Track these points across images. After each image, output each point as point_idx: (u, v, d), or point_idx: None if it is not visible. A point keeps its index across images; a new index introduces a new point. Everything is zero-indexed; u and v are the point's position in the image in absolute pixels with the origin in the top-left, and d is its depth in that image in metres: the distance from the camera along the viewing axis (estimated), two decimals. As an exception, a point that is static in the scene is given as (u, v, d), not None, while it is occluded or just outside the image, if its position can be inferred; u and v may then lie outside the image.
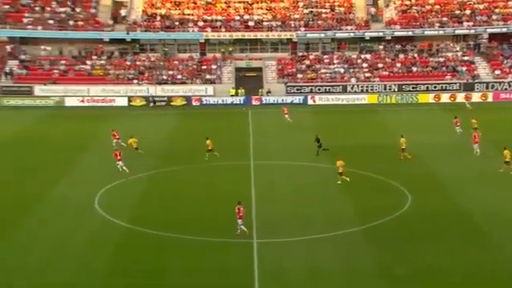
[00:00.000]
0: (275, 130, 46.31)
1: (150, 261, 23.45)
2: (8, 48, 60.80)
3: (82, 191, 31.56)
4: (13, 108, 54.57)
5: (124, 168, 34.34)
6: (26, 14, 61.31)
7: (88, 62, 61.01)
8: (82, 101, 57.04)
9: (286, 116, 48.33)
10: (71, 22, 61.89)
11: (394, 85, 59.27)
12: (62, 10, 62.95)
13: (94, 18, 62.92)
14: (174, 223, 27.10)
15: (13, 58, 60.45)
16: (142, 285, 21.91)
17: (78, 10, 63.42)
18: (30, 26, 60.51)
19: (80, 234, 26.24)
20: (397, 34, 62.87)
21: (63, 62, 60.63)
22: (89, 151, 40.15)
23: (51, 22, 61.35)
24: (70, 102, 56.73)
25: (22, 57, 60.51)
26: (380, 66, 61.61)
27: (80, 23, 62.03)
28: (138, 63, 61.93)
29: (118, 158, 34.56)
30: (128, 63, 61.69)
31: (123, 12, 64.97)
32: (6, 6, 61.65)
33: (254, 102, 56.68)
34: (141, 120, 51.82)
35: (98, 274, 22.45)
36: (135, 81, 59.86)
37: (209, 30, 63.53)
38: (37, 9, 62.30)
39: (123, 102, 57.54)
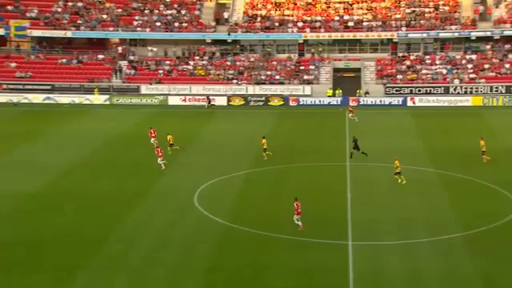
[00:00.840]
0: (372, 132, 45.67)
1: (248, 258, 23.98)
2: (119, 49, 64.53)
3: (182, 187, 32.70)
4: (122, 106, 57.62)
5: (164, 162, 35.54)
6: (136, 17, 64.74)
7: (190, 63, 63.40)
8: (184, 100, 59.37)
9: (351, 115, 48.80)
10: (176, 24, 64.61)
11: (502, 86, 56.47)
12: (169, 12, 65.85)
13: (197, 20, 65.28)
14: (271, 222, 27.50)
15: (123, 58, 64.14)
16: (241, 281, 22.41)
17: (183, 12, 66.05)
18: (139, 29, 63.89)
19: (180, 229, 27.15)
20: (506, 33, 59.81)
21: (168, 62, 63.39)
22: (189, 149, 41.51)
23: (158, 24, 64.41)
24: (172, 100, 59.22)
25: (131, 57, 64.01)
26: (486, 66, 58.89)
27: (184, 25, 64.61)
28: (237, 63, 63.49)
29: (160, 154, 35.80)
30: (228, 63, 63.41)
31: (226, 14, 66.87)
32: (119, 10, 65.43)
33: (351, 103, 56.24)
34: (239, 119, 53.09)
35: (198, 270, 23.11)
36: (234, 81, 61.43)
37: (308, 30, 63.81)
38: (146, 12, 65.64)
39: (222, 101, 59.24)
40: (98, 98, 58.61)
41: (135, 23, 64.01)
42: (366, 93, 59.08)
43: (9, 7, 63.58)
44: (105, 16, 64.50)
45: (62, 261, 23.66)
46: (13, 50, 63.35)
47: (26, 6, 63.90)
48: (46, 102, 56.99)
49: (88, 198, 30.93)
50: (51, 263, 23.47)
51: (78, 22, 63.31)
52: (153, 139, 40.46)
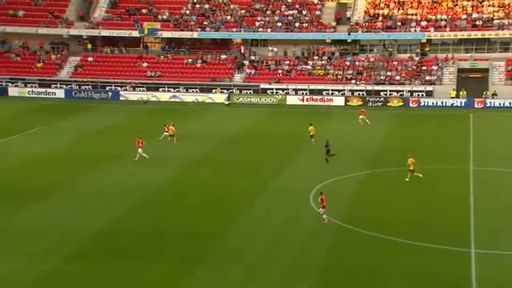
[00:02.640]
0: (500, 135, 43.34)
1: (363, 260, 23.86)
2: (241, 49, 66.62)
3: (298, 186, 33.05)
4: (241, 105, 59.22)
5: (143, 155, 36.61)
6: (259, 18, 66.40)
7: (309, 63, 63.88)
8: (302, 100, 59.99)
9: (361, 117, 47.48)
10: (297, 24, 65.41)
11: None
12: (290, 12, 66.84)
13: (318, 20, 65.62)
14: (388, 225, 27.16)
15: (244, 58, 66.14)
16: (355, 283, 22.36)
17: (304, 12, 66.73)
18: (260, 29, 65.52)
19: (296, 227, 27.49)
20: None
21: (287, 62, 64.38)
22: (306, 148, 41.86)
23: (279, 24, 65.62)
24: (291, 100, 60.07)
25: (252, 57, 65.84)
26: None
27: (305, 25, 65.23)
28: (357, 63, 62.95)
29: (140, 145, 36.98)
30: (347, 63, 63.07)
31: (347, 13, 66.52)
32: (243, 11, 67.58)
33: (476, 105, 53.66)
34: (357, 120, 52.68)
35: (313, 269, 23.30)
36: (353, 81, 61.00)
37: (431, 29, 61.73)
38: (268, 12, 67.16)
39: (340, 101, 59.08)
40: (220, 97, 60.89)
41: (257, 24, 65.69)
42: (494, 94, 55.99)
43: (143, 10, 68.06)
44: (229, 17, 66.86)
45: (183, 253, 24.59)
46: (145, 51, 67.68)
47: (159, 8, 67.94)
48: (172, 100, 60.17)
49: (209, 193, 32.08)
50: (173, 254, 24.46)
51: (204, 23, 66.23)
52: (165, 134, 42.40)
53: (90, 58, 65.62)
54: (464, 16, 62.10)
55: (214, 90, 61.42)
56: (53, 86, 62.71)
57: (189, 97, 60.78)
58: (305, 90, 60.38)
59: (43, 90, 62.09)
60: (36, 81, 62.77)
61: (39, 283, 22.19)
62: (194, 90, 61.69)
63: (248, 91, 61.37)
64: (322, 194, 27.30)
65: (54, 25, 66.18)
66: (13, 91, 62.09)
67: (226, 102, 58.84)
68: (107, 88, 62.31)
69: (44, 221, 27.95)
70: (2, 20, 66.30)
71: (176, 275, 22.75)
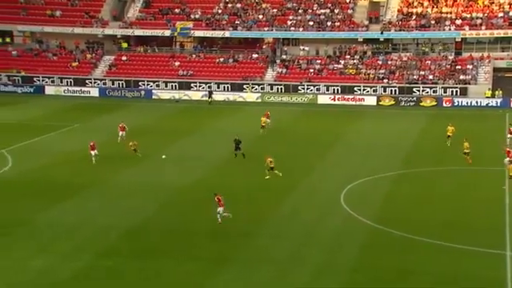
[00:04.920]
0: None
1: (394, 261, 23.67)
2: (273, 48, 66.45)
3: (329, 185, 32.99)
4: (272, 104, 58.97)
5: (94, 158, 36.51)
6: (291, 17, 66.31)
7: (341, 62, 63.51)
8: (333, 99, 59.68)
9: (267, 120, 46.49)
10: (329, 23, 65.10)
11: None
12: (322, 11, 66.54)
13: (350, 19, 65.17)
14: (420, 226, 26.84)
15: (275, 57, 66.09)
16: (386, 284, 22.17)
17: (336, 11, 66.36)
18: (292, 28, 65.42)
19: (326, 227, 27.40)
20: None
21: (319, 61, 64.13)
22: (337, 148, 41.73)
23: (311, 23, 65.39)
24: (322, 99, 59.83)
25: (283, 56, 65.78)
26: None
27: (337, 24, 64.86)
28: (389, 63, 62.30)
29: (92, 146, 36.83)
30: (380, 62, 62.47)
31: (380, 12, 65.88)
32: (275, 10, 67.58)
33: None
34: (388, 120, 52.17)
35: (343, 269, 23.24)
36: (385, 80, 60.39)
37: (466, 28, 60.65)
38: (300, 11, 66.99)
39: (372, 101, 58.56)
40: (251, 96, 61.02)
41: (289, 23, 65.60)
42: (531, 94, 54.75)
43: (176, 10, 68.68)
44: (261, 16, 66.94)
45: (213, 251, 24.73)
46: (178, 50, 68.29)
47: (191, 8, 68.47)
48: (204, 99, 60.60)
49: (239, 192, 32.09)
50: (203, 253, 24.61)
51: (236, 22, 66.48)
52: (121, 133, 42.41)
53: (124, 57, 66.56)
54: (501, 14, 60.81)
55: (244, 89, 61.55)
56: (87, 84, 63.84)
57: (220, 96, 61.07)
58: (336, 89, 60.06)
59: (78, 88, 63.26)
60: (71, 79, 63.98)
61: (73, 279, 22.55)
62: (225, 89, 61.99)
63: (279, 90, 61.40)
64: (216, 195, 27.43)
65: (89, 24, 67.34)
66: (49, 90, 63.42)
67: (209, 100, 59.12)
68: (140, 86, 63.13)
69: (77, 217, 28.42)
70: (40, 20, 67.74)
71: (205, 274, 22.88)
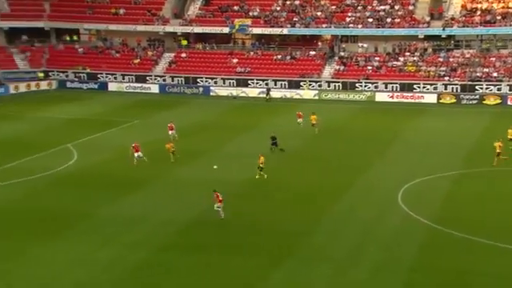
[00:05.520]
0: None
1: (453, 262, 23.31)
2: (331, 45, 66.06)
3: (386, 184, 32.66)
4: (330, 101, 58.86)
5: (143, 158, 35.94)
6: (349, 14, 65.72)
7: (400, 59, 62.38)
8: (392, 96, 58.76)
9: (299, 120, 45.69)
10: (388, 20, 64.09)
11: None
12: (382, 8, 65.57)
13: (410, 15, 63.90)
14: (481, 227, 26.31)
15: (333, 54, 65.67)
16: (444, 285, 21.90)
17: (396, 7, 65.23)
18: (351, 25, 64.81)
19: (384, 226, 27.17)
20: None
21: (377, 58, 63.25)
22: (395, 146, 41.19)
23: (370, 20, 64.58)
24: (380, 97, 59.03)
25: (341, 53, 65.28)
26: None
27: (397, 20, 63.77)
28: (451, 60, 60.74)
29: (136, 149, 36.18)
30: (441, 60, 61.01)
31: (442, 8, 64.25)
32: (333, 7, 67.16)
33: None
34: (449, 118, 50.97)
35: (402, 268, 23.04)
36: (446, 78, 58.92)
37: (534, 23, 58.41)
38: (359, 8, 66.27)
39: (432, 99, 57.32)
40: (308, 93, 60.91)
41: (348, 20, 65.01)
42: None
43: (235, 7, 69.36)
44: (319, 13, 66.67)
45: (270, 247, 24.93)
46: (236, 47, 68.93)
47: (250, 5, 68.99)
48: (261, 96, 60.93)
49: (296, 189, 32.27)
50: (260, 249, 24.88)
51: (294, 19, 66.47)
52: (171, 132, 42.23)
53: (183, 54, 67.81)
54: None
55: (301, 86, 61.51)
56: (148, 81, 65.48)
57: (277, 93, 61.27)
58: (395, 86, 59.17)
59: (139, 85, 64.94)
60: (133, 76, 65.79)
61: (135, 271, 23.16)
62: (283, 86, 62.15)
63: (336, 87, 61.03)
64: (215, 192, 27.97)
65: (151, 22, 68.94)
66: (112, 86, 65.40)
67: (267, 97, 59.28)
68: (199, 83, 64.19)
69: (138, 211, 29.17)
70: (104, 18, 69.90)
71: (263, 269, 23.10)
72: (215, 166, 34.48)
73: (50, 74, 66.92)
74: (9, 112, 53.40)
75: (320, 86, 61.51)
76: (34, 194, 31.70)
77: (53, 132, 45.90)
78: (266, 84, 62.01)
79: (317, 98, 60.42)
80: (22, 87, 63.42)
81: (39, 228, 27.14)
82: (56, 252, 24.68)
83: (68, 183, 33.54)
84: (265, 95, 59.90)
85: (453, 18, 61.93)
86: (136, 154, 36.42)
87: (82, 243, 25.54)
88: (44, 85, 64.93)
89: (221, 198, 27.93)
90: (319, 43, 66.78)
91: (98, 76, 66.23)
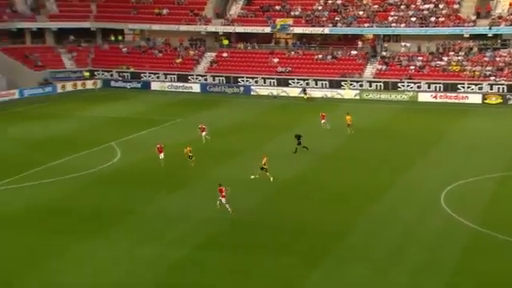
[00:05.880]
0: None
1: (498, 266, 22.84)
2: (373, 45, 65.34)
3: (429, 185, 32.13)
4: (371, 101, 58.36)
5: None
6: (392, 13, 64.88)
7: (444, 58, 61.22)
8: (435, 97, 57.73)
9: (323, 121, 44.64)
10: (433, 19, 62.97)
11: None
12: (426, 6, 64.47)
13: (455, 14, 62.61)
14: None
15: (375, 54, 64.94)
16: (490, 286, 21.61)
17: (441, 6, 64.04)
18: (393, 24, 63.96)
19: (425, 227, 26.75)
20: None
21: (420, 58, 62.23)
22: (438, 146, 40.48)
23: (413, 19, 63.60)
24: (422, 97, 58.05)
25: (383, 53, 64.50)
26: None
27: (441, 19, 62.60)
28: (497, 59, 59.24)
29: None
30: (487, 59, 59.57)
31: (491, 5, 62.70)
32: (376, 6, 66.43)
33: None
34: (495, 118, 49.77)
35: (444, 271, 22.64)
36: (492, 77, 57.49)
37: None
38: (402, 7, 65.35)
39: (477, 99, 56.05)
40: (349, 93, 60.44)
41: (390, 19, 64.20)
42: None
43: (277, 7, 69.44)
44: (361, 12, 66.06)
45: (308, 247, 24.84)
46: (277, 47, 68.95)
47: (292, 5, 68.92)
48: (302, 95, 60.76)
49: (334, 188, 32.12)
50: (298, 248, 24.78)
51: (336, 18, 66.07)
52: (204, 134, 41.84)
53: (225, 54, 68.29)
54: None
55: (342, 86, 61.09)
56: (190, 80, 66.21)
57: (317, 92, 61.02)
58: (438, 86, 58.14)
59: (181, 84, 65.72)
60: (175, 75, 66.65)
61: (176, 269, 23.33)
62: (323, 85, 61.86)
63: (378, 87, 60.39)
64: (220, 186, 28.57)
65: (193, 22, 69.72)
66: (155, 85, 66.41)
67: (305, 96, 59.13)
68: (239, 83, 64.53)
69: (181, 209, 29.45)
70: (148, 18, 71.03)
71: (301, 269, 23.05)
72: (252, 176, 34.04)
73: (95, 73, 68.49)
74: (56, 110, 54.85)
75: (361, 85, 60.99)
76: (78, 192, 32.31)
77: (97, 130, 46.83)
78: (307, 84, 61.85)
79: (358, 97, 59.89)
80: (69, 86, 65.10)
81: (83, 225, 27.57)
82: (98, 249, 25.05)
83: (111, 181, 34.16)
84: (302, 94, 59.75)
85: (500, 17, 60.38)
86: (160, 156, 36.27)
87: (124, 241, 25.87)
88: (89, 84, 66.48)
89: (224, 194, 28.28)
90: (359, 42, 66.13)
91: (141, 75, 67.38)
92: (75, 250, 24.95)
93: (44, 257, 24.42)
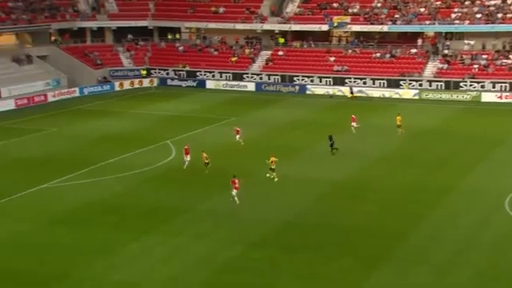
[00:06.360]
0: None
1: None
2: (434, 42, 63.20)
3: (492, 188, 30.90)
4: (431, 101, 56.41)
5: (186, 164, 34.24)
6: (455, 9, 62.51)
7: (511, 57, 58.45)
8: (500, 97, 55.21)
9: (354, 124, 42.13)
10: (499, 15, 60.21)
11: None
12: (492, 2, 61.79)
13: (525, 9, 59.76)
14: None
15: (436, 52, 62.72)
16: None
17: (509, 1, 61.23)
18: (456, 21, 61.57)
19: (488, 232, 25.78)
20: None
21: (485, 56, 59.67)
22: (502, 149, 38.86)
23: (478, 15, 61.01)
24: (486, 97, 55.63)
25: (445, 51, 62.19)
26: None
27: (509, 15, 59.76)
28: None
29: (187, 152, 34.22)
30: (557, 57, 56.48)
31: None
32: (438, 2, 64.14)
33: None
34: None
35: (507, 275, 21.80)
36: None
37: None
38: (466, 3, 62.85)
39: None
40: (408, 93, 58.71)
41: (453, 16, 61.89)
42: None
43: (334, 4, 68.25)
44: (422, 9, 63.97)
45: (366, 249, 24.38)
46: (333, 45, 67.77)
47: (349, 2, 67.59)
48: (358, 95, 59.52)
49: (391, 190, 31.35)
50: (355, 250, 24.36)
51: (395, 16, 64.26)
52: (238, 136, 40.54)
53: (280, 52, 67.69)
54: None
55: (401, 85, 59.40)
56: (245, 79, 66.00)
57: (375, 92, 59.59)
58: (504, 86, 55.64)
59: (236, 83, 65.60)
60: (230, 74, 66.58)
61: (227, 267, 23.30)
62: (381, 85, 60.33)
63: (439, 87, 58.34)
64: (234, 177, 29.03)
65: (249, 20, 69.52)
66: (210, 84, 66.58)
67: (349, 95, 57.88)
68: (295, 82, 63.79)
69: (235, 207, 29.23)
70: (205, 17, 71.35)
71: (359, 271, 22.61)
72: (267, 175, 33.48)
73: (152, 71, 69.38)
74: (113, 108, 55.82)
75: (421, 85, 59.15)
76: (134, 189, 32.64)
77: (153, 128, 47.22)
78: (364, 83, 60.54)
79: (417, 97, 58.13)
80: (126, 84, 66.20)
81: (138, 222, 27.85)
82: (152, 247, 25.21)
83: (166, 179, 34.33)
84: (349, 93, 58.67)
85: None
86: (188, 158, 35.40)
87: (177, 238, 25.96)
88: (146, 82, 67.39)
89: (237, 186, 28.74)
90: (419, 40, 64.06)
91: (197, 74, 67.74)
92: (130, 246, 25.16)
93: (99, 252, 24.79)
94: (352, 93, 58.96)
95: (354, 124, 43.73)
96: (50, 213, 29.27)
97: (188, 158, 35.68)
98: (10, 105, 55.45)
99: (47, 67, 63.94)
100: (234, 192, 28.91)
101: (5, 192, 31.80)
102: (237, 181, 28.97)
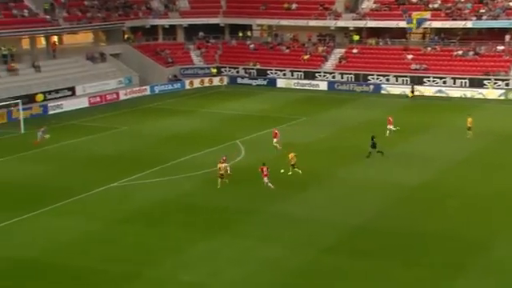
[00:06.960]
0: None
1: None
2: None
3: None
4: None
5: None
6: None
7: None
8: None
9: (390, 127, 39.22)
10: None
11: None
12: None
13: None
14: None
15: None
16: None
17: None
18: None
19: None
20: None
21: None
22: None
23: None
24: None
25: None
26: None
27: None
28: None
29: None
30: None
31: None
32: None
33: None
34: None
35: None
36: None
37: None
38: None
39: None
40: (492, 93, 55.00)
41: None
42: None
43: (414, 0, 65.00)
44: (511, 3, 59.65)
45: (442, 257, 23.13)
46: (411, 43, 64.61)
47: (432, -3, 64.29)
48: (438, 95, 56.43)
49: (474, 196, 29.57)
50: (431, 258, 23.16)
51: (481, 11, 60.28)
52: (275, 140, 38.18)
53: (355, 50, 65.24)
54: None
55: (485, 85, 55.71)
56: (317, 77, 63.98)
57: (455, 92, 56.21)
58: None
59: (307, 81, 63.72)
60: (302, 73, 64.77)
61: (300, 272, 22.52)
62: (463, 84, 56.82)
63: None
64: (264, 165, 30.34)
65: (323, 17, 67.48)
66: (280, 83, 65.10)
67: (410, 94, 55.51)
68: (369, 81, 61.21)
69: (306, 211, 28.42)
70: (277, 14, 69.81)
71: (435, 280, 21.40)
72: (282, 171, 32.75)
73: (222, 69, 68.68)
74: (183, 107, 55.48)
75: (507, 84, 55.45)
76: (205, 189, 32.11)
77: (223, 127, 46.43)
78: (444, 82, 57.28)
79: (503, 98, 54.56)
80: (196, 83, 65.85)
81: (208, 222, 27.40)
82: (220, 248, 24.68)
83: (235, 179, 33.20)
84: (409, 92, 56.05)
85: None
86: (227, 167, 32.81)
87: (246, 240, 25.37)
88: (216, 80, 66.78)
89: (266, 173, 30.08)
90: (507, 37, 59.78)
91: (268, 72, 66.39)
92: (199, 246, 24.75)
93: (169, 251, 24.44)
94: (413, 92, 55.93)
95: (390, 127, 40.96)
96: (120, 211, 29.10)
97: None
98: (83, 103, 56.26)
99: (120, 65, 64.61)
100: (266, 179, 30.16)
101: (76, 190, 31.81)
102: (265, 168, 30.28)
